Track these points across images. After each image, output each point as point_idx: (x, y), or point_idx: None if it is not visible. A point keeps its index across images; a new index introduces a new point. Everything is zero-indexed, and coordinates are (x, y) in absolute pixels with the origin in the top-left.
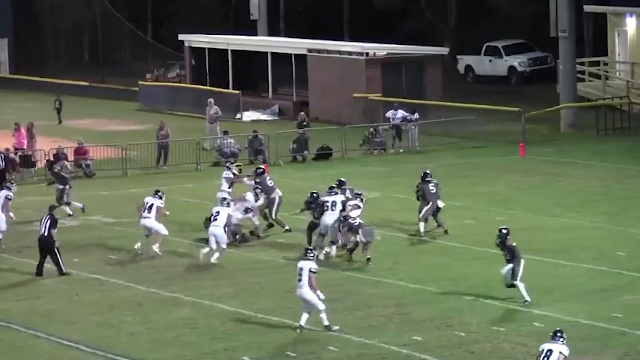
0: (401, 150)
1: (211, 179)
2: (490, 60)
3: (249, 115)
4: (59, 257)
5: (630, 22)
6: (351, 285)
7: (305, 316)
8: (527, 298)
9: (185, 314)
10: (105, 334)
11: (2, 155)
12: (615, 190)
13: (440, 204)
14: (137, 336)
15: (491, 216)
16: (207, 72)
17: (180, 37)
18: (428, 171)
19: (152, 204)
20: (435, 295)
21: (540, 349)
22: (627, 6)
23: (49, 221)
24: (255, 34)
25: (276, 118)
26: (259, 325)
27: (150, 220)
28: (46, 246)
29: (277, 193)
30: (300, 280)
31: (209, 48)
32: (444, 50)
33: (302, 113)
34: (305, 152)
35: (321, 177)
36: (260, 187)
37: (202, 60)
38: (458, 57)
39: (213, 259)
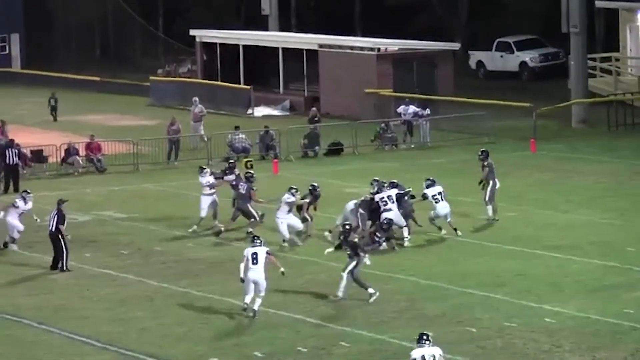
0: (412, 146)
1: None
2: (501, 56)
3: (260, 111)
4: (65, 253)
5: None
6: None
7: (250, 297)
8: (339, 293)
9: (196, 309)
10: (116, 329)
11: (17, 150)
12: (626, 186)
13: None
14: (148, 331)
15: (502, 212)
16: (219, 67)
17: (192, 32)
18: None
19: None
20: (446, 291)
21: (420, 357)
22: (638, 2)
23: (56, 217)
24: (267, 30)
25: (287, 113)
26: (270, 321)
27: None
28: (54, 241)
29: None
30: (256, 263)
31: (220, 43)
32: (455, 46)
33: (314, 108)
34: (317, 147)
35: (332, 173)
36: (234, 182)
37: (213, 56)
38: (469, 52)
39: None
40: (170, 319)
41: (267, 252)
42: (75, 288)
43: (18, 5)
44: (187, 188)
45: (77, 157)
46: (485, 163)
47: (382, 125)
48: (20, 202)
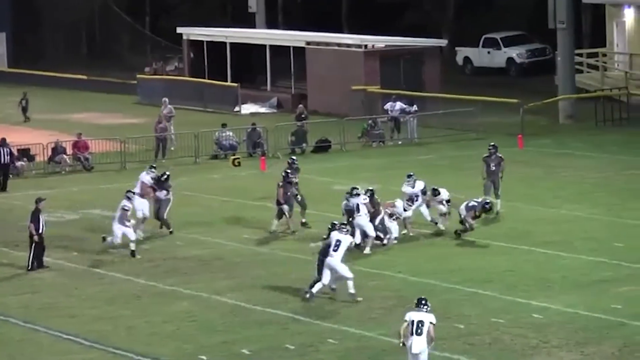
0: (400, 142)
1: (209, 172)
2: (488, 52)
3: (247, 108)
4: (30, 252)
5: (629, 13)
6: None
7: (319, 285)
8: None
9: (184, 307)
10: (104, 327)
11: (8, 149)
12: (613, 181)
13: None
14: (135, 329)
15: None
16: (206, 65)
17: (179, 30)
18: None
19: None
20: (435, 288)
21: (409, 319)
22: None
23: (30, 215)
24: (254, 27)
25: (275, 111)
26: (258, 319)
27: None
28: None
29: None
30: (336, 250)
31: (207, 41)
32: (442, 42)
33: (301, 105)
34: (304, 144)
35: (320, 170)
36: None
37: (200, 53)
38: (456, 49)
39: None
40: (158, 317)
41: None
42: (62, 287)
43: (5, 4)
44: (175, 186)
45: (64, 155)
46: (490, 157)
47: (370, 122)
48: (126, 203)
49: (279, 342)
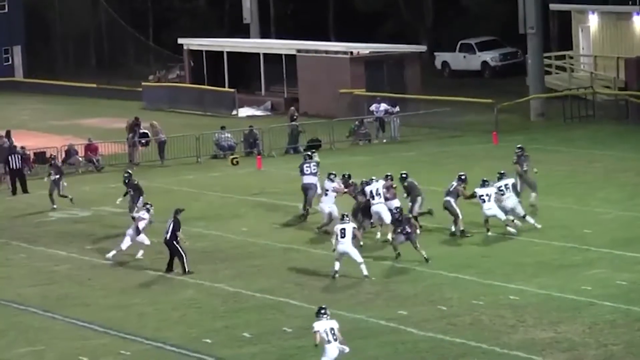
0: (384, 141)
1: (210, 171)
2: (464, 57)
3: (244, 112)
4: (184, 256)
5: (593, 19)
6: (340, 265)
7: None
8: None
9: (190, 295)
10: (117, 314)
11: (20, 155)
12: (581, 173)
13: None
14: (145, 316)
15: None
16: (205, 72)
17: (180, 41)
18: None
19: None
20: (419, 273)
21: (319, 329)
22: (589, 4)
23: (172, 224)
24: (248, 37)
25: (269, 113)
26: (257, 304)
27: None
28: (170, 247)
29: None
30: (344, 237)
31: (206, 50)
32: (422, 48)
33: (292, 108)
34: (299, 145)
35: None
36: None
37: (200, 62)
38: (435, 54)
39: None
40: (166, 305)
41: (353, 228)
42: (76, 278)
43: (19, 19)
44: (179, 184)
45: (78, 157)
46: (520, 159)
47: (357, 122)
48: (144, 214)
49: (277, 326)
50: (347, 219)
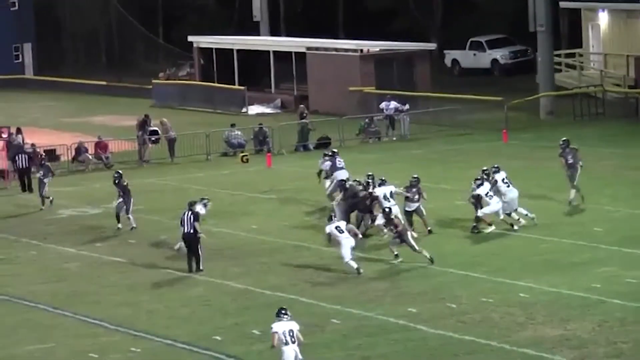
0: (394, 139)
1: (220, 168)
2: (474, 54)
3: (253, 109)
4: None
5: (603, 17)
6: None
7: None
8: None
9: (199, 293)
10: (126, 312)
11: (27, 155)
12: (591, 171)
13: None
14: (155, 313)
15: None
16: (215, 70)
17: (189, 38)
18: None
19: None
20: (427, 271)
21: (277, 330)
22: (599, 2)
23: (192, 216)
24: (258, 34)
25: (279, 111)
26: (267, 302)
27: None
28: (193, 242)
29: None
30: (342, 232)
31: (215, 48)
32: (431, 46)
33: (302, 105)
34: (309, 143)
35: None
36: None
37: (209, 60)
38: (445, 51)
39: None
40: (175, 302)
41: (345, 224)
42: (86, 276)
43: (30, 18)
44: (189, 182)
45: (88, 154)
46: (565, 152)
47: (366, 120)
48: (201, 209)
49: None
50: (335, 218)
